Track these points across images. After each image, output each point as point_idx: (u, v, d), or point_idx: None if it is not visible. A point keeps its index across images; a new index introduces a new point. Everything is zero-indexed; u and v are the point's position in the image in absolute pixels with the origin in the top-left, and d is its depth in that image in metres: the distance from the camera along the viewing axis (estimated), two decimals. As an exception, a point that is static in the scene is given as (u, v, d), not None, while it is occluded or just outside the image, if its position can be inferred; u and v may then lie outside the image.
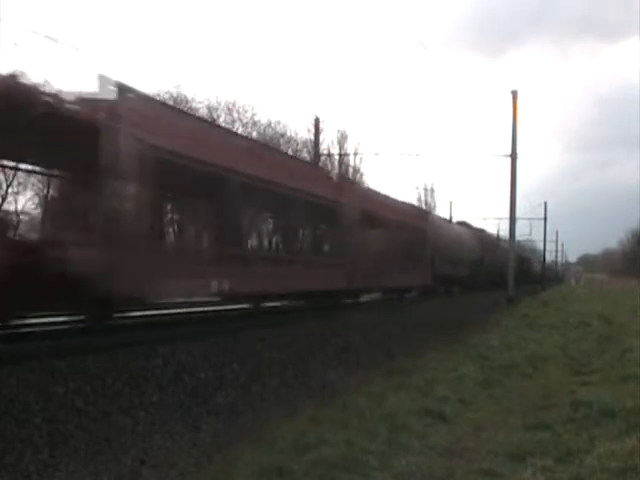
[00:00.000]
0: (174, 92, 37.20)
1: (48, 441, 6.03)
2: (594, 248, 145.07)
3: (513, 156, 30.38)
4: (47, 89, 8.12)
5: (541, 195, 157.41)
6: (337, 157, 47.86)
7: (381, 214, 19.89)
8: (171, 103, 35.75)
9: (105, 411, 6.95)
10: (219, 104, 41.39)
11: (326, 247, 20.43)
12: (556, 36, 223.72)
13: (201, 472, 6.00)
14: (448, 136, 73.91)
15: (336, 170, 40.70)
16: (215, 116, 38.12)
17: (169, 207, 16.09)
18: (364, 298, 20.83)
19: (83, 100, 8.65)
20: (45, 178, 14.18)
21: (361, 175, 49.26)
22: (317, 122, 35.80)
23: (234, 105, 42.45)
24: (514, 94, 30.30)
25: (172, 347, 9.49)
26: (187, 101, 37.54)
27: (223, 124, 37.67)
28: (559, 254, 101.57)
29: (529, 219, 65.14)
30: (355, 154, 48.94)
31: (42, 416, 6.36)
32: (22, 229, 16.26)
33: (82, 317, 9.88)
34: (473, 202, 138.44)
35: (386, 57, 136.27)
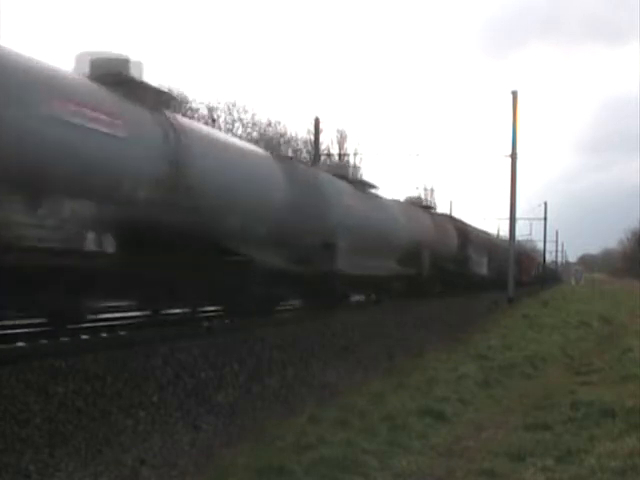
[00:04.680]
0: (174, 92, 37.13)
1: (48, 441, 6.02)
2: (594, 248, 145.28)
3: (513, 156, 30.38)
4: None
5: (541, 195, 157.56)
6: (337, 157, 47.90)
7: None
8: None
9: (105, 411, 6.94)
10: (219, 104, 41.40)
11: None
12: (560, 39, 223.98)
13: (201, 472, 6.00)
14: (449, 136, 74.25)
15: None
16: (215, 116, 38.09)
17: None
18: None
19: None
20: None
21: (361, 175, 49.31)
22: (317, 122, 35.80)
23: (234, 105, 42.48)
24: (514, 95, 30.29)
25: (172, 347, 9.48)
26: (187, 101, 37.54)
27: (223, 124, 37.62)
28: (559, 254, 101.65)
29: (529, 219, 65.31)
30: (355, 154, 49.02)
31: (42, 416, 6.35)
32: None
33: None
34: (473, 202, 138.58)
35: (387, 57, 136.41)
